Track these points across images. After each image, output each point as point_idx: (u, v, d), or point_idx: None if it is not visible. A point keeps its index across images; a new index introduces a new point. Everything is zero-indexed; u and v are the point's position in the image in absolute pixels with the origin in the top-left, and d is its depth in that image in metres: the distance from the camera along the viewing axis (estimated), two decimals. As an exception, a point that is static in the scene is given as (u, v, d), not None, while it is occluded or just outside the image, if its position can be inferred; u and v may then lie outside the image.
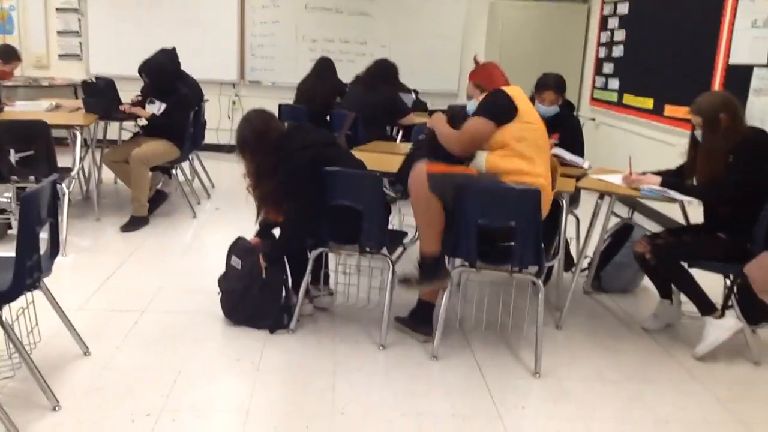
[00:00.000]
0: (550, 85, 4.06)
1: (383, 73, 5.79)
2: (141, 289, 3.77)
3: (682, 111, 5.45)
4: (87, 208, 5.30)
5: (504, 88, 3.13)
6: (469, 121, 3.09)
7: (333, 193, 3.18)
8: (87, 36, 7.87)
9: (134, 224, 4.89)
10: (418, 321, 3.29)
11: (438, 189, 2.96)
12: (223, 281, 3.44)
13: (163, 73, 5.19)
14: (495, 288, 3.75)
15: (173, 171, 5.40)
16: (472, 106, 3.26)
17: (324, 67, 6.32)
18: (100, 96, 5.20)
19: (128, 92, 5.66)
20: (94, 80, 5.63)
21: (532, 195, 2.87)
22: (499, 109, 3.03)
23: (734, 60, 4.84)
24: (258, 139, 3.20)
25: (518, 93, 3.12)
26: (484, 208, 2.93)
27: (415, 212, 3.08)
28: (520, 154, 2.98)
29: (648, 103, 6.08)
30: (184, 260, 4.32)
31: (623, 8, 6.65)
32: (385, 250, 3.28)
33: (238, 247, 3.45)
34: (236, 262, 3.38)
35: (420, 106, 6.67)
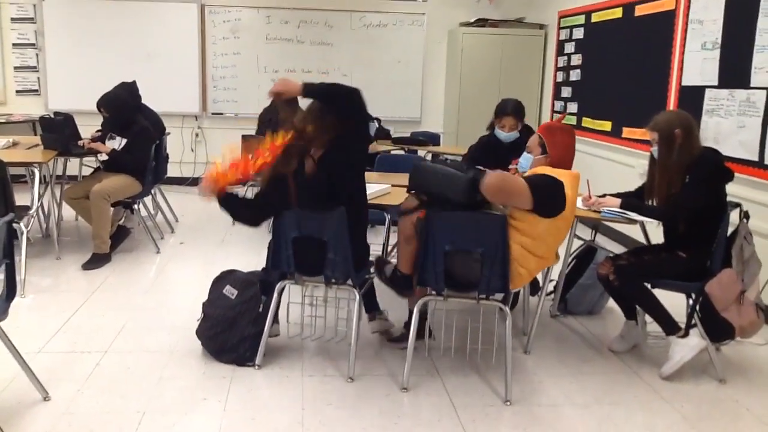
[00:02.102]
0: (509, 111, 4.11)
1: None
2: (103, 328, 3.68)
3: (639, 133, 5.57)
4: (47, 246, 5.19)
5: (565, 176, 3.01)
6: (518, 180, 2.91)
7: (297, 224, 3.16)
8: (45, 71, 7.77)
9: (96, 262, 4.79)
10: (400, 284, 3.25)
11: (419, 229, 3.03)
12: (210, 307, 3.39)
13: (123, 106, 5.14)
14: (462, 315, 3.75)
15: (135, 206, 5.32)
16: (525, 161, 3.25)
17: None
18: (58, 132, 5.13)
19: (89, 127, 5.61)
20: (52, 116, 5.55)
21: (499, 221, 2.89)
22: (550, 205, 2.92)
23: (687, 81, 4.97)
24: None
25: (572, 181, 3.05)
26: (452, 235, 2.94)
27: (399, 234, 3.16)
28: (533, 252, 2.97)
29: (606, 125, 6.20)
30: (147, 297, 4.24)
31: (579, 33, 6.80)
32: (350, 281, 3.26)
33: (234, 277, 3.42)
34: (230, 291, 3.35)
35: (382, 133, 6.71)
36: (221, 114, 8.16)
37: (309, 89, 3.12)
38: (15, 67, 7.79)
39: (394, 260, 3.30)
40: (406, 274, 3.16)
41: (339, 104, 3.17)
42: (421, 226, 3.01)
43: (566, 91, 7.09)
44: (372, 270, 3.32)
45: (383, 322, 3.63)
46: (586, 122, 6.60)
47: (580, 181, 3.17)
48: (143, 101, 5.67)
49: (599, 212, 3.52)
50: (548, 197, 2.91)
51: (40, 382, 2.88)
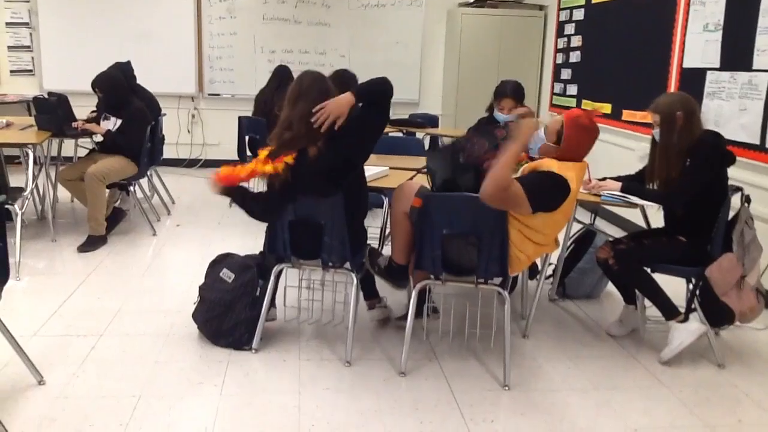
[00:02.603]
0: (508, 93, 4.08)
1: (343, 83, 5.71)
2: (99, 311, 3.66)
3: (639, 115, 5.53)
4: (42, 228, 5.15)
5: (571, 170, 2.89)
6: (515, 188, 2.74)
7: (294, 207, 3.12)
8: (39, 51, 7.67)
9: (92, 244, 4.76)
10: (395, 275, 3.20)
11: (414, 218, 2.99)
12: (207, 290, 3.37)
13: (117, 87, 5.08)
14: (461, 299, 3.73)
15: (131, 188, 5.28)
16: (536, 142, 3.10)
17: (281, 77, 6.25)
18: (52, 112, 5.06)
19: (83, 108, 5.54)
20: (46, 96, 5.48)
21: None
22: (548, 204, 2.85)
23: (688, 64, 4.92)
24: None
25: (579, 173, 2.94)
26: (449, 218, 2.91)
27: (392, 224, 3.12)
28: (531, 239, 2.93)
29: (606, 108, 6.15)
30: (144, 280, 4.21)
31: (579, 14, 6.73)
32: (348, 265, 3.24)
33: (231, 261, 3.40)
34: (227, 275, 3.33)
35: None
36: (218, 95, 8.08)
37: (360, 95, 2.99)
38: (9, 47, 7.69)
39: (388, 250, 3.26)
40: (401, 264, 3.12)
41: (385, 105, 3.12)
42: (415, 215, 2.97)
43: (566, 73, 7.03)
44: (365, 261, 3.27)
45: (383, 310, 3.60)
46: (586, 104, 6.54)
47: (587, 170, 3.10)
48: (138, 82, 5.61)
49: (599, 196, 3.48)
50: (547, 198, 2.84)
51: (34, 366, 2.86)
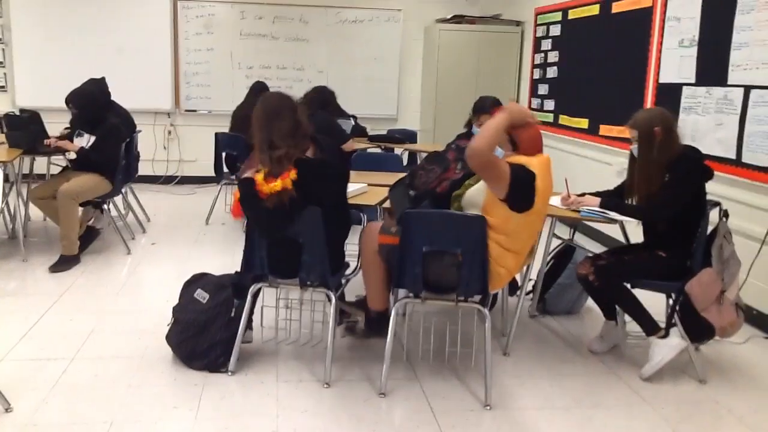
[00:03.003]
0: (487, 109, 4.07)
1: (321, 99, 5.71)
2: (71, 333, 3.56)
3: (616, 130, 5.55)
4: (13, 247, 5.03)
5: (534, 163, 2.86)
6: (503, 162, 2.79)
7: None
8: (12, 67, 7.57)
9: (64, 264, 4.65)
10: (379, 327, 3.15)
11: (385, 256, 2.97)
12: (180, 311, 3.29)
13: (92, 103, 5.00)
14: (440, 317, 3.69)
15: (105, 206, 5.18)
16: (499, 151, 3.00)
17: (258, 93, 6.21)
18: (24, 129, 4.97)
19: (57, 124, 5.47)
20: (17, 113, 5.39)
21: (478, 221, 2.82)
22: (521, 200, 2.81)
23: (664, 79, 4.96)
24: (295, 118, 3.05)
25: (544, 169, 2.90)
26: (430, 235, 2.87)
27: (363, 270, 3.07)
28: (510, 249, 2.89)
29: (583, 123, 6.17)
30: (117, 300, 4.12)
31: (555, 30, 6.77)
32: (327, 284, 3.18)
33: (205, 281, 3.33)
34: (201, 295, 3.26)
35: (359, 131, 6.62)
36: (194, 111, 8.01)
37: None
38: (-20, 63, 7.58)
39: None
40: (381, 311, 3.03)
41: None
42: (384, 252, 2.95)
43: (543, 89, 7.06)
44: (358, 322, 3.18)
45: (349, 323, 3.58)
46: (563, 119, 6.57)
47: (551, 166, 2.99)
48: (114, 98, 5.53)
49: (578, 211, 3.47)
50: (522, 192, 2.79)
51: (1, 393, 2.76)
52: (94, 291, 4.25)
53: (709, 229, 3.31)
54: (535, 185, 2.81)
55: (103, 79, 5.42)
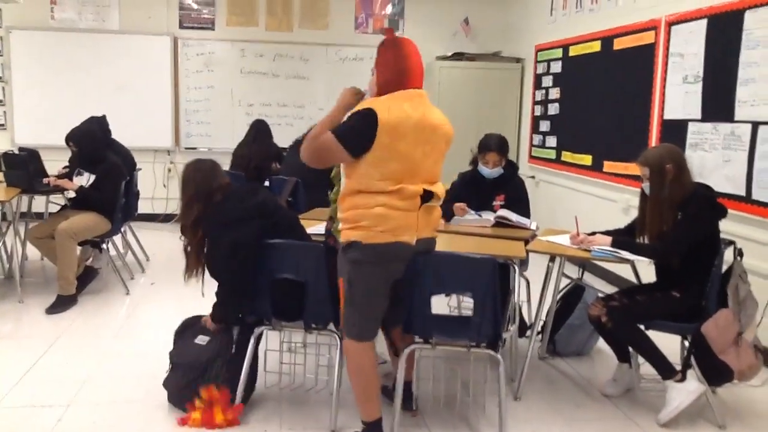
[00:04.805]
0: (492, 147, 4.02)
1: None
2: (67, 378, 3.44)
3: (621, 167, 5.51)
4: (9, 288, 4.92)
5: (382, 99, 2.61)
6: (325, 135, 2.60)
7: (275, 265, 2.99)
8: (12, 105, 7.54)
9: (61, 305, 4.54)
10: None
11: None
12: (178, 356, 3.17)
13: (92, 141, 4.96)
14: (449, 363, 3.58)
15: (104, 245, 5.10)
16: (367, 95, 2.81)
17: (258, 131, 6.19)
18: (22, 168, 4.90)
19: (57, 162, 5.41)
20: (16, 152, 5.33)
21: (488, 264, 2.74)
22: (356, 135, 2.57)
23: (669, 115, 4.93)
24: (202, 182, 3.16)
25: (395, 104, 2.58)
26: (439, 279, 2.79)
27: (351, 375, 2.82)
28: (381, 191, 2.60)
29: (586, 159, 6.13)
30: (115, 343, 4.01)
31: (556, 67, 6.77)
32: (332, 326, 3.09)
33: (200, 325, 3.22)
34: (203, 339, 3.15)
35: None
36: (194, 148, 7.97)
37: None
38: (-20, 101, 7.55)
39: None
40: (376, 420, 2.78)
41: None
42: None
43: (545, 125, 7.05)
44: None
45: None
46: (566, 156, 6.53)
47: (413, 96, 2.65)
48: (114, 136, 5.49)
49: (589, 251, 3.39)
50: (354, 132, 2.57)
51: (-6, 443, 2.66)
52: (91, 333, 4.14)
53: (724, 268, 3.23)
54: (367, 117, 2.55)
55: (103, 117, 5.40)
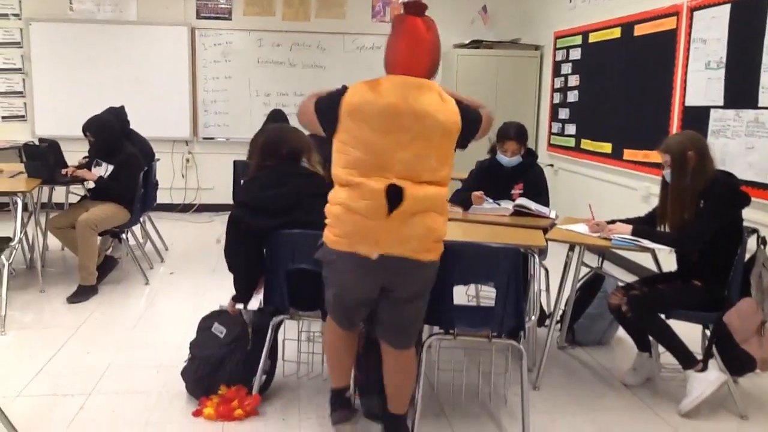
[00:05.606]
0: (512, 135, 3.98)
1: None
2: (88, 368, 3.48)
3: (641, 155, 5.44)
4: (31, 278, 4.98)
5: (360, 82, 2.46)
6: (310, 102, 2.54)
7: (291, 255, 2.98)
8: (32, 97, 7.60)
9: (82, 294, 4.59)
10: (334, 406, 2.86)
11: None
12: (197, 347, 3.19)
13: (109, 131, 4.98)
14: (469, 352, 3.56)
15: (123, 235, 5.13)
16: None
17: (275, 120, 6.17)
18: (42, 159, 4.94)
19: (76, 153, 5.45)
20: (36, 143, 5.37)
21: (512, 254, 2.71)
22: (324, 111, 2.47)
23: (690, 102, 4.85)
24: (264, 145, 3.15)
25: (379, 85, 2.43)
26: (460, 269, 2.75)
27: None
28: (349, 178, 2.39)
29: (606, 147, 6.06)
30: (135, 332, 4.04)
31: (575, 54, 6.69)
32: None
33: (223, 316, 3.22)
34: (219, 330, 3.16)
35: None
36: (212, 138, 7.99)
37: None
38: (1, 93, 7.61)
39: None
40: (334, 388, 2.80)
41: None
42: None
43: (564, 113, 6.98)
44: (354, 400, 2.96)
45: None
46: (585, 144, 6.47)
47: (395, 84, 2.49)
48: (132, 126, 5.51)
49: (609, 240, 3.35)
50: (325, 107, 2.47)
51: (16, 431, 2.68)
52: (111, 323, 4.18)
53: (747, 256, 3.18)
54: (337, 92, 2.46)
55: (122, 107, 5.41)
